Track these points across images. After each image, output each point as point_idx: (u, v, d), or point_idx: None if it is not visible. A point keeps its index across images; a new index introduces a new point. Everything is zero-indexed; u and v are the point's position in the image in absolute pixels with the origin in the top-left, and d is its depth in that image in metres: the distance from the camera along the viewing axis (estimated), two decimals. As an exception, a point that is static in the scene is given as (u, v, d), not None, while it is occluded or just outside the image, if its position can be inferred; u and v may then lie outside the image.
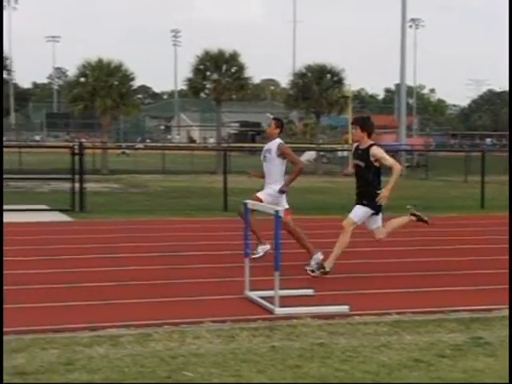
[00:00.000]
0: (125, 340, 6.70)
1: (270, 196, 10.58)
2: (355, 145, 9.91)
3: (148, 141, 76.28)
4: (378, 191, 9.54)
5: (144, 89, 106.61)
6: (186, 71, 45.14)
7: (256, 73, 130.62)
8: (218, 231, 14.61)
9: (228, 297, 8.54)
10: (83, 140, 41.08)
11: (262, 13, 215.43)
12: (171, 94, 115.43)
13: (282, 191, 10.53)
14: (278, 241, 7.85)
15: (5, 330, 6.88)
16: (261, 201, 10.41)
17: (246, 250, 8.61)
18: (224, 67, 42.47)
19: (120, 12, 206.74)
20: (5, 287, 8.85)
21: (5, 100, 67.73)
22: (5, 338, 6.67)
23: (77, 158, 17.93)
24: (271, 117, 11.36)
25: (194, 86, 43.16)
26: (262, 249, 10.82)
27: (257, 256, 10.57)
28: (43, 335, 6.77)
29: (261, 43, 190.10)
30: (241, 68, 42.85)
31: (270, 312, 7.75)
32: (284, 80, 64.34)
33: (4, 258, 10.77)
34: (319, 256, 10.22)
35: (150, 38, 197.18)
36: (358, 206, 9.66)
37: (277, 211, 7.90)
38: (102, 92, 39.45)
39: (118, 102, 40.06)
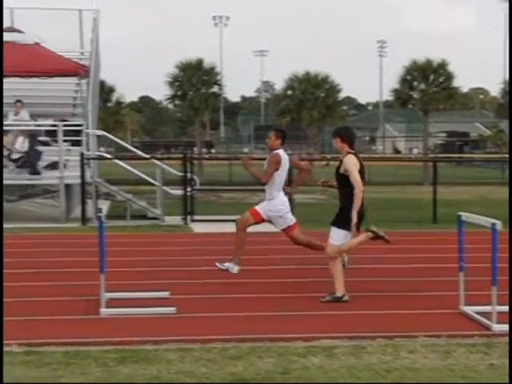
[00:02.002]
0: (339, 351, 6.71)
1: (271, 211, 10.38)
2: None
3: (353, 152, 76.18)
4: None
5: (349, 100, 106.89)
6: (391, 82, 44.82)
7: (465, 82, 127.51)
8: (426, 244, 14.33)
9: (442, 311, 8.35)
10: (289, 152, 41.80)
11: (474, 20, 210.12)
12: (376, 105, 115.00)
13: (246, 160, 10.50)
14: (495, 254, 7.59)
15: (224, 337, 7.11)
16: (258, 215, 10.35)
17: (460, 263, 8.39)
18: (432, 77, 41.79)
19: (326, 24, 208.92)
20: (225, 296, 9.14)
21: (215, 114, 70.18)
22: (224, 345, 6.88)
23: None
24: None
25: (401, 97, 42.78)
26: (227, 267, 10.61)
27: (220, 267, 10.51)
28: (260, 344, 6.92)
29: (470, 51, 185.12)
30: (449, 77, 41.97)
31: (487, 328, 7.50)
32: (494, 88, 62.29)
33: (211, 268, 11.12)
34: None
35: (355, 49, 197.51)
36: (333, 229, 9.03)
37: (493, 224, 7.64)
38: (308, 104, 39.97)
39: (324, 114, 40.42)
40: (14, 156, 17.83)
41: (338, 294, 8.93)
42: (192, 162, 18.97)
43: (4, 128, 19.02)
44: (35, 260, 11.87)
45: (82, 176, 17.17)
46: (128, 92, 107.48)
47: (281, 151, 10.15)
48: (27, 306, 8.61)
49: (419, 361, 6.48)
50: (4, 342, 6.92)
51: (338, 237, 8.97)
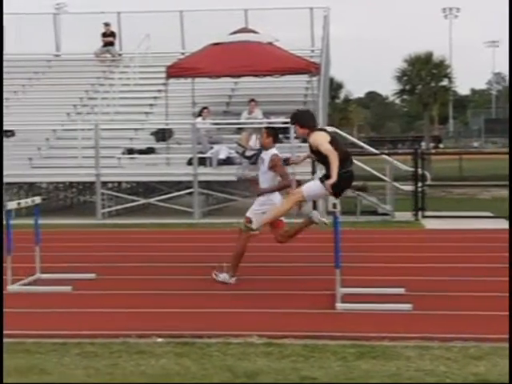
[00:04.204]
0: None
1: (257, 211, 9.71)
2: None
3: None
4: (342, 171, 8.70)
5: None
6: None
7: None
8: None
9: None
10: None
11: None
12: None
13: (259, 194, 9.89)
14: None
15: (463, 336, 6.94)
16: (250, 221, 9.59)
17: None
18: None
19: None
20: (461, 293, 8.94)
21: (444, 108, 68.68)
22: (464, 344, 6.72)
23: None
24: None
25: None
26: (223, 278, 9.85)
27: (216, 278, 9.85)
28: (501, 344, 6.67)
29: None
30: None
31: None
32: None
33: (448, 265, 10.89)
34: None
35: None
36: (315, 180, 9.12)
37: None
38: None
39: None
40: (248, 153, 18.40)
41: (253, 227, 9.30)
42: (423, 158, 18.64)
43: (238, 126, 19.72)
44: (269, 254, 12.18)
45: (313, 172, 17.38)
46: (355, 88, 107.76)
47: (275, 150, 9.92)
48: (264, 299, 8.86)
49: None
50: (245, 332, 7.19)
51: (311, 185, 9.08)
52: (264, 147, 10.09)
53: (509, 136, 31.26)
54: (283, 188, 9.95)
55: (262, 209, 9.74)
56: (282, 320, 7.83)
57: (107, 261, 11.62)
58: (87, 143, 18.63)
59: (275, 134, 10.07)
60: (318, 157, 9.05)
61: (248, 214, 9.87)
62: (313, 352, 6.60)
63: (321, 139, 8.84)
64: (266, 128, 10.44)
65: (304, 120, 9.21)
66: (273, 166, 9.77)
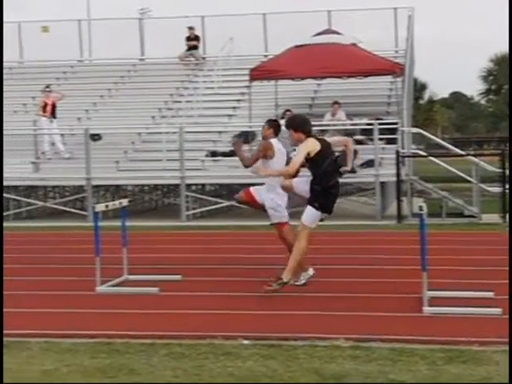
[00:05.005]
0: None
1: (267, 201, 9.97)
2: None
3: None
4: (320, 186, 9.04)
5: None
6: None
7: None
8: None
9: None
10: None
11: None
12: None
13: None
14: None
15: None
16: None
17: None
18: None
19: None
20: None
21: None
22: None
23: None
24: None
25: None
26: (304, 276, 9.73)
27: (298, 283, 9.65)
28: None
29: None
30: None
31: None
32: None
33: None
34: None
35: None
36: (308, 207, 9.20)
37: None
38: None
39: None
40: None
41: (285, 280, 9.04)
42: (511, 158, 18.22)
43: (321, 128, 19.66)
44: (355, 256, 12.11)
45: (398, 174, 17.23)
46: (439, 88, 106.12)
47: (273, 140, 9.92)
48: (350, 301, 8.81)
49: None
50: (331, 335, 7.16)
51: (308, 214, 9.17)
52: (264, 139, 10.21)
53: (509, 136, 30.35)
54: (241, 160, 10.20)
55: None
56: (369, 323, 7.77)
57: (192, 262, 11.74)
58: (172, 146, 18.86)
59: (276, 127, 10.14)
60: (308, 163, 9.24)
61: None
62: (400, 355, 6.52)
63: (303, 149, 9.11)
64: (268, 120, 10.53)
65: (298, 125, 9.36)
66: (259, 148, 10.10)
